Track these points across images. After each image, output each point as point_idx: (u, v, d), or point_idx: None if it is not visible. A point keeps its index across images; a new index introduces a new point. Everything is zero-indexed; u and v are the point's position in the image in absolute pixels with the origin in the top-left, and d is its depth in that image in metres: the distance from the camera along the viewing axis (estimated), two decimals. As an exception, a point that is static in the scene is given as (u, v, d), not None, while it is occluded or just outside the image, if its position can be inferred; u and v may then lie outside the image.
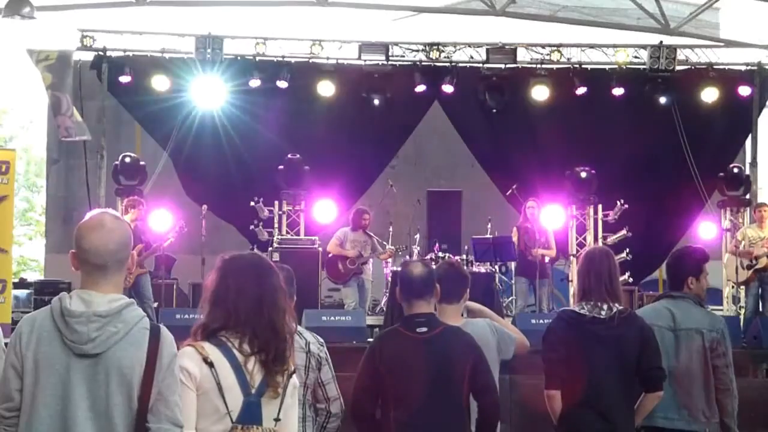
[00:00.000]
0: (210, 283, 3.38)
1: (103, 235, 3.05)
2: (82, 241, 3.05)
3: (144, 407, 2.95)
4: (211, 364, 3.21)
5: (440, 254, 12.27)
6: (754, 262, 11.73)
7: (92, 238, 3.04)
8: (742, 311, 12.51)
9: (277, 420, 3.27)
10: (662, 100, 14.15)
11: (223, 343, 3.26)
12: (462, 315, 5.03)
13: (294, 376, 3.38)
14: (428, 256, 12.38)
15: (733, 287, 13.09)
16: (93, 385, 2.94)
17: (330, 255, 12.25)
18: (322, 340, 4.82)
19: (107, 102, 14.25)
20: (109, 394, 2.94)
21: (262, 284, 3.34)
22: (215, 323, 3.29)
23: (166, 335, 3.06)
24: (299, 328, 4.83)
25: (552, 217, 12.38)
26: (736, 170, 14.05)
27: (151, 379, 2.97)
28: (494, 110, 14.36)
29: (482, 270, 12.10)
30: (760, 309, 12.19)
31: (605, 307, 4.73)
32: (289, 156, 13.59)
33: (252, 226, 13.15)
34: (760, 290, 11.96)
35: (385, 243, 12.58)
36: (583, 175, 13.49)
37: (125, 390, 2.95)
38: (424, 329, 4.47)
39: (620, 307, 4.77)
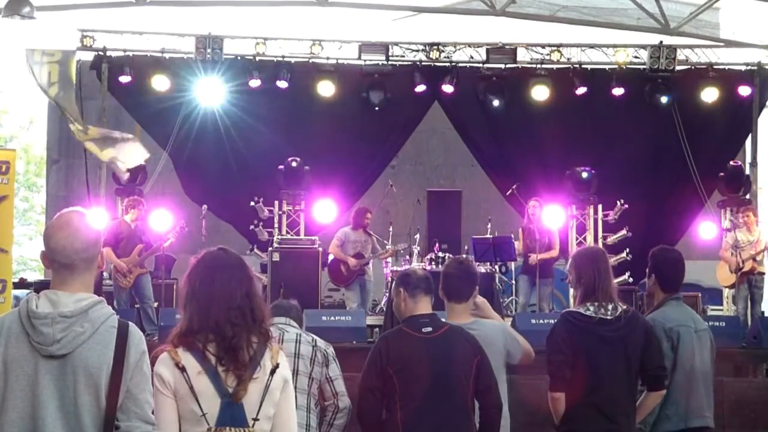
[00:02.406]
0: (181, 287, 3.40)
1: (70, 234, 3.05)
2: (50, 241, 3.07)
3: (112, 406, 2.95)
4: (183, 369, 3.21)
5: (440, 254, 12.27)
6: (741, 265, 11.72)
7: (59, 238, 3.05)
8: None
9: (255, 420, 3.24)
10: (662, 100, 14.15)
11: (196, 346, 3.24)
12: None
13: (279, 371, 3.31)
14: (428, 256, 12.40)
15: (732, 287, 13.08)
16: (61, 386, 2.94)
17: (332, 258, 12.23)
18: (329, 343, 5.03)
19: (107, 102, 14.25)
20: (77, 394, 2.94)
21: (213, 283, 3.30)
22: (185, 327, 3.28)
23: (134, 333, 3.06)
24: (303, 330, 5.01)
25: (552, 217, 12.38)
26: (736, 170, 14.03)
27: (119, 378, 2.96)
28: (494, 110, 14.35)
29: (482, 270, 12.08)
30: (754, 311, 12.17)
31: (610, 307, 4.71)
32: (289, 156, 13.59)
33: (252, 226, 13.15)
34: (748, 293, 11.93)
35: (385, 242, 12.57)
36: (584, 175, 13.48)
37: (93, 390, 2.95)
38: (429, 329, 4.48)
39: (624, 307, 4.76)
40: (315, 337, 4.99)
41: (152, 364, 3.23)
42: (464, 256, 12.26)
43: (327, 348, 4.96)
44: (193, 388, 3.20)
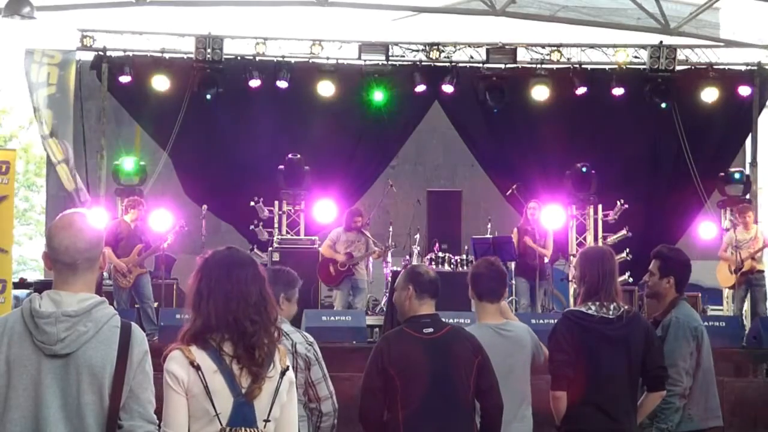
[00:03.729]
0: (190, 286, 3.39)
1: (73, 234, 3.07)
2: (53, 241, 3.08)
3: (115, 405, 2.96)
4: (198, 368, 3.20)
5: (440, 254, 12.26)
6: (741, 264, 11.73)
7: (62, 237, 3.07)
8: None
9: (266, 421, 3.25)
10: (662, 99, 14.14)
11: (210, 345, 3.25)
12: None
13: (289, 373, 3.34)
14: (428, 256, 12.38)
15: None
16: (64, 385, 2.94)
17: (322, 258, 12.17)
18: (311, 339, 4.76)
19: (107, 102, 14.24)
20: (80, 393, 2.95)
21: (230, 281, 3.31)
22: (197, 327, 3.28)
23: (137, 333, 3.07)
24: (288, 328, 4.71)
25: (552, 217, 12.38)
26: (736, 170, 14.03)
27: (122, 377, 2.97)
28: (494, 110, 14.35)
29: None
30: (759, 310, 12.19)
31: (612, 306, 4.72)
32: (289, 156, 13.58)
33: (252, 226, 13.15)
34: (747, 293, 11.95)
35: (378, 242, 12.47)
36: (583, 170, 13.48)
37: (96, 389, 2.96)
38: (431, 330, 4.49)
39: (626, 307, 4.76)
40: (294, 339, 4.65)
41: (163, 361, 3.24)
42: (462, 257, 12.28)
43: (308, 351, 4.67)
44: (208, 387, 3.20)
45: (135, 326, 3.09)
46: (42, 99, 13.09)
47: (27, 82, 13.15)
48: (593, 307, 4.72)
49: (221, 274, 3.32)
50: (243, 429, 3.21)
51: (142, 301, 10.97)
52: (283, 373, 3.31)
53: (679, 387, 4.88)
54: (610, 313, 4.70)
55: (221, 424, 3.19)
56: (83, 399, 2.95)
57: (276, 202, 13.43)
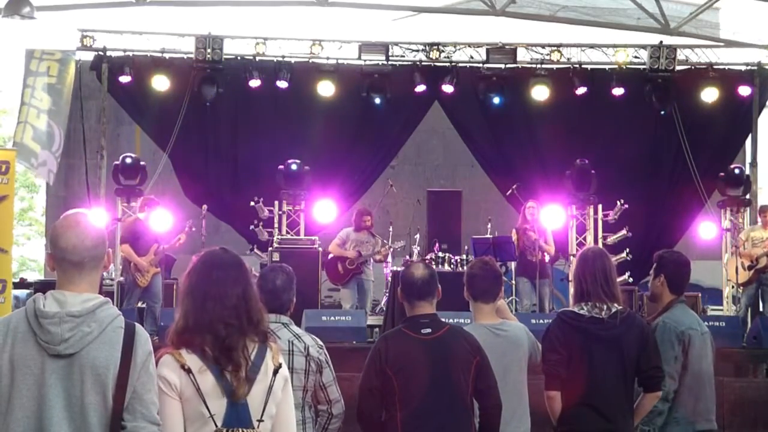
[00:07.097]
0: (180, 286, 3.42)
1: (80, 233, 3.07)
2: (59, 240, 3.08)
3: (119, 406, 2.97)
4: (188, 371, 3.22)
5: (440, 254, 12.26)
6: (754, 262, 11.76)
7: (69, 236, 3.07)
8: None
9: (260, 421, 3.27)
10: (662, 100, 14.14)
11: (197, 347, 3.26)
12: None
13: (282, 370, 3.35)
14: (428, 256, 12.38)
15: (733, 287, 13.10)
16: (68, 385, 2.95)
17: (330, 256, 12.19)
18: (321, 343, 4.76)
19: (107, 102, 14.24)
20: (84, 394, 2.95)
21: (210, 281, 3.32)
22: (178, 326, 3.30)
23: (141, 334, 3.07)
24: (298, 330, 4.71)
25: (552, 217, 12.38)
26: (736, 170, 14.04)
27: (125, 378, 2.98)
28: (494, 110, 14.35)
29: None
30: (760, 309, 12.21)
31: (604, 307, 4.72)
32: (290, 156, 13.59)
33: (252, 226, 13.15)
34: (759, 291, 11.98)
35: (385, 242, 12.48)
36: (583, 173, 13.48)
37: (100, 389, 2.96)
38: (429, 330, 4.48)
39: (619, 307, 4.76)
40: (307, 342, 4.63)
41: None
42: (462, 257, 12.28)
43: (320, 354, 4.65)
44: (200, 390, 3.21)
45: (139, 327, 3.09)
46: (41, 85, 13.03)
47: (24, 71, 13.08)
48: (585, 308, 4.74)
49: (203, 273, 3.35)
50: (238, 429, 3.23)
51: (152, 300, 10.96)
52: (275, 372, 3.32)
53: (662, 391, 4.85)
54: (603, 313, 4.71)
55: (216, 426, 3.21)
56: (87, 399, 2.95)
57: (276, 202, 13.43)
